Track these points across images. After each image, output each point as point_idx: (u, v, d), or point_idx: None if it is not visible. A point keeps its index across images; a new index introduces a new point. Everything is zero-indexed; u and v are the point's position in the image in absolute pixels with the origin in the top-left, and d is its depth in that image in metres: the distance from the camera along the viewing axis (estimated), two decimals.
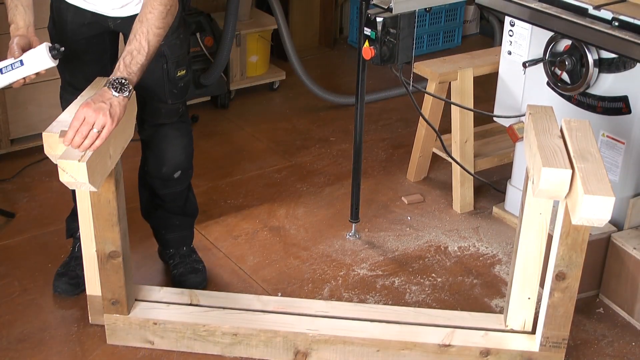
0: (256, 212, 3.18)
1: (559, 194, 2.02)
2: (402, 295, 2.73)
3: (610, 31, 2.36)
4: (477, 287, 2.79)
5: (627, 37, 2.32)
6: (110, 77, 2.06)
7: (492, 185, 3.33)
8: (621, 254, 2.60)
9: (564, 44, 2.71)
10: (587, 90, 2.69)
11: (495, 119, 3.11)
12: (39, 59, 2.13)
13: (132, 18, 2.16)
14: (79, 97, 2.23)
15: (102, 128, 1.98)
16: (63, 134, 1.99)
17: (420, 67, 3.17)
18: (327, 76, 4.49)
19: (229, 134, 3.83)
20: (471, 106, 3.15)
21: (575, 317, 2.30)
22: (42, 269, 2.76)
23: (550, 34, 2.71)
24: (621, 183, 2.70)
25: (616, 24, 2.37)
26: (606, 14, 2.41)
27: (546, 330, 2.26)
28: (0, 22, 2.66)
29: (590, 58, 2.61)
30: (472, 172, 3.22)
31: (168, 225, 2.73)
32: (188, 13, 3.79)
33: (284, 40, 3.99)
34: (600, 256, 2.65)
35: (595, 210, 1.90)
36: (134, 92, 2.13)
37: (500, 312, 2.61)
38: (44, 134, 2.05)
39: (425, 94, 3.18)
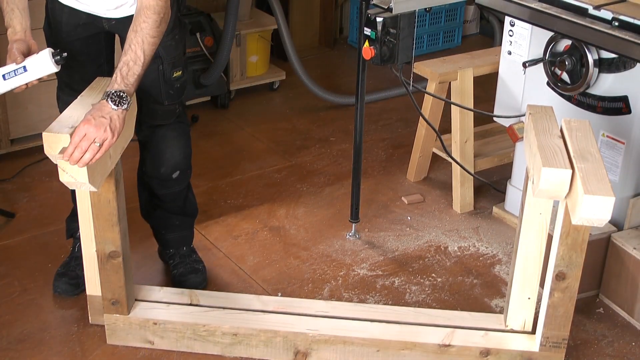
0: (256, 212, 3.18)
1: (559, 194, 2.02)
2: (402, 295, 2.73)
3: (610, 31, 2.36)
4: (477, 287, 2.79)
5: (627, 37, 2.32)
6: (107, 89, 2.06)
7: (492, 185, 3.33)
8: (621, 254, 2.59)
9: (564, 44, 2.71)
10: (587, 90, 2.69)
11: (495, 119, 3.11)
12: (43, 65, 2.13)
13: (127, 19, 2.15)
14: (78, 98, 2.22)
15: (103, 142, 2.00)
16: (63, 150, 1.99)
17: (420, 67, 3.17)
18: (327, 76, 4.49)
19: (229, 134, 3.83)
20: (471, 106, 3.15)
21: (575, 317, 2.30)
22: (42, 269, 2.76)
23: (550, 34, 2.71)
24: (621, 183, 2.70)
25: (616, 24, 2.37)
26: (606, 14, 2.40)
27: (546, 330, 2.26)
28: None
29: (590, 58, 2.61)
30: (472, 172, 3.22)
31: (168, 225, 2.73)
32: (187, 13, 3.82)
33: (284, 40, 3.99)
34: (600, 256, 2.65)
35: (595, 210, 1.90)
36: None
37: (500, 312, 2.61)
38: (43, 134, 2.05)
39: (425, 94, 3.18)
